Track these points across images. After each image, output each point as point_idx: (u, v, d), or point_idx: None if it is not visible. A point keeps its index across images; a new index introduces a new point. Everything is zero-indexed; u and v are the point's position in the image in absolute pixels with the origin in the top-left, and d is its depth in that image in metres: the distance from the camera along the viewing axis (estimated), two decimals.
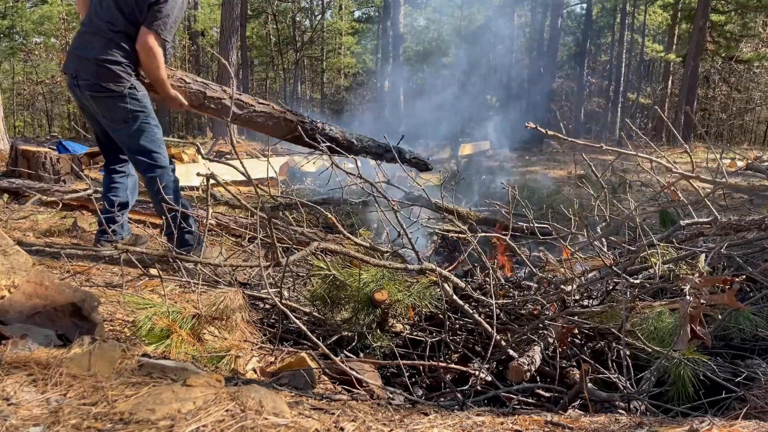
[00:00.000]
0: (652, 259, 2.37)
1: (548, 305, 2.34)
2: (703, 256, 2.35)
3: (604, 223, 3.07)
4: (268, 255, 2.85)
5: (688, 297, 1.65)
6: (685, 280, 1.77)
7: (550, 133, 2.45)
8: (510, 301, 2.34)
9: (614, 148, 2.47)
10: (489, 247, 3.31)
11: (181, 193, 3.06)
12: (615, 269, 2.25)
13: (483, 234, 2.48)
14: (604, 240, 2.88)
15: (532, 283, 2.64)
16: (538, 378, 2.12)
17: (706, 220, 2.89)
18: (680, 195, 3.06)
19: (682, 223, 2.92)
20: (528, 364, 1.90)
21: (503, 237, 2.50)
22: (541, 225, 3.05)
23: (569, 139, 2.52)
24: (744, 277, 2.38)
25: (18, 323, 1.59)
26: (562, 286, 2.36)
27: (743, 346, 2.24)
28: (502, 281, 2.57)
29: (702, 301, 1.59)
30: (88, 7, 2.86)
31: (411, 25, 32.36)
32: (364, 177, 2.53)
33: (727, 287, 1.65)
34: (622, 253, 2.71)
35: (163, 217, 2.90)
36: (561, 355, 2.12)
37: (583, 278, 2.50)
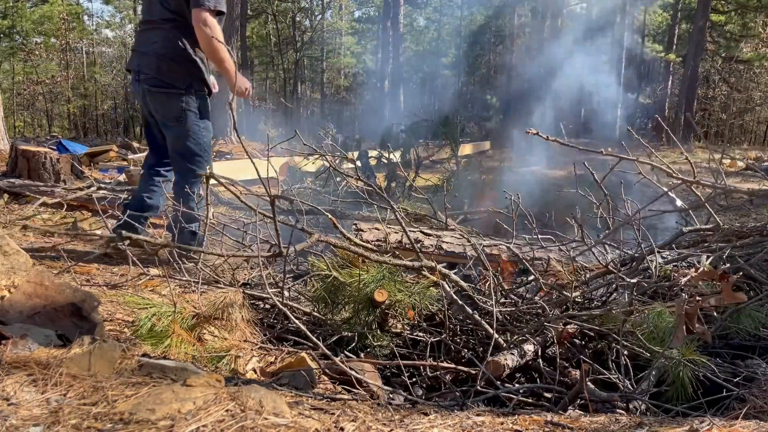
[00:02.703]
0: (651, 264, 2.37)
1: (550, 310, 2.34)
2: (705, 256, 2.35)
3: (603, 226, 3.07)
4: (271, 250, 2.86)
5: (684, 295, 1.65)
6: (681, 274, 1.77)
7: (551, 138, 2.45)
8: (513, 309, 2.33)
9: (615, 154, 2.47)
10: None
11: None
12: (619, 275, 2.25)
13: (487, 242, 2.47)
14: (605, 243, 2.88)
15: (534, 287, 2.64)
16: (538, 378, 2.12)
17: (708, 227, 2.89)
18: (681, 202, 3.06)
19: (684, 230, 2.94)
20: (511, 360, 1.92)
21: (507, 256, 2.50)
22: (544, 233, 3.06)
23: (571, 144, 2.52)
24: (741, 273, 2.38)
25: (18, 323, 1.59)
26: (565, 292, 2.35)
27: (743, 344, 2.24)
28: (504, 289, 2.57)
29: (698, 297, 1.59)
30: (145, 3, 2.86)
31: (411, 25, 32.38)
32: (363, 179, 2.53)
33: (723, 282, 1.65)
34: (624, 261, 2.72)
35: (169, 218, 2.90)
36: (561, 356, 2.12)
37: (586, 286, 2.50)
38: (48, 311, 1.70)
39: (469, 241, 2.62)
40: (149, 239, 2.02)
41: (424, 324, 2.33)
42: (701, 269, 1.69)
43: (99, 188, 4.68)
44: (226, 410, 1.13)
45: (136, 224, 2.88)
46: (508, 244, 2.86)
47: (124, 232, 1.97)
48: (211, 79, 2.96)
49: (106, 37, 28.33)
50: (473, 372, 1.94)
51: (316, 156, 2.81)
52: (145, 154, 3.22)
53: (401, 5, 21.31)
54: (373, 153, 7.03)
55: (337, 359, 1.82)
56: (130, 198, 2.98)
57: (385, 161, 6.76)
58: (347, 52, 31.94)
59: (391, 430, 1.26)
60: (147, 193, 3.01)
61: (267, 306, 2.50)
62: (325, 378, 1.86)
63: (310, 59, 31.14)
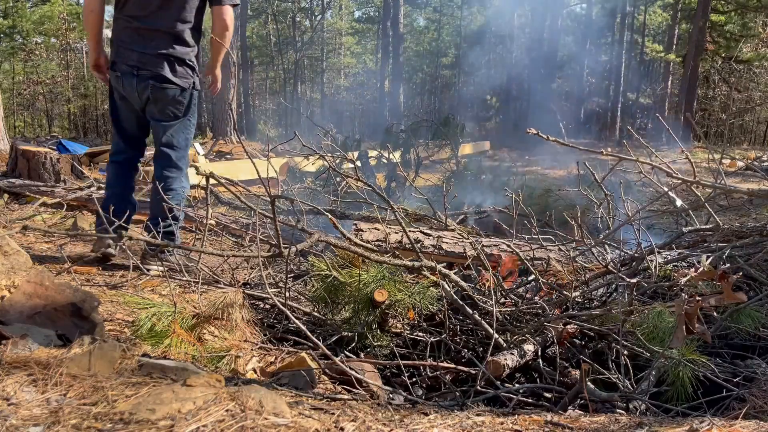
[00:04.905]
0: (651, 264, 2.37)
1: (550, 310, 2.34)
2: (704, 256, 2.35)
3: (603, 225, 3.07)
4: (271, 250, 2.86)
5: (683, 295, 1.65)
6: (681, 274, 1.77)
7: (551, 139, 2.45)
8: (513, 309, 2.33)
9: (615, 154, 2.47)
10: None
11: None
12: (618, 274, 2.25)
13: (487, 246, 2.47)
14: (605, 243, 2.88)
15: (534, 287, 2.64)
16: (538, 378, 2.12)
17: (708, 227, 2.89)
18: (681, 201, 3.06)
19: (684, 230, 2.94)
20: (510, 360, 1.93)
21: (510, 250, 2.50)
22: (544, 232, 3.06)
23: (571, 144, 2.52)
24: (741, 273, 2.39)
25: (18, 323, 1.59)
26: (565, 292, 2.35)
27: (743, 344, 2.24)
28: (504, 289, 2.57)
29: (698, 297, 1.59)
30: (123, 3, 2.89)
31: (411, 25, 32.40)
32: (363, 179, 2.53)
33: (723, 283, 1.65)
34: (624, 261, 2.72)
35: (150, 215, 2.92)
36: (561, 356, 2.12)
37: (586, 286, 2.50)
38: (48, 311, 1.70)
39: (468, 241, 2.63)
40: (149, 239, 2.01)
41: (424, 324, 2.33)
42: (701, 269, 1.69)
43: (99, 188, 4.67)
44: (226, 410, 1.13)
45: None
46: (508, 244, 2.86)
47: (123, 231, 1.97)
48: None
49: (107, 37, 28.23)
50: (473, 372, 1.94)
51: (316, 156, 2.81)
52: (146, 153, 3.22)
53: (401, 5, 21.30)
54: (373, 153, 7.03)
55: (337, 359, 1.82)
56: (111, 198, 2.97)
57: (385, 161, 6.76)
58: (347, 52, 31.94)
59: (391, 430, 1.26)
60: (131, 192, 3.07)
61: (267, 306, 2.50)
62: (325, 378, 1.86)
63: (310, 59, 31.15)
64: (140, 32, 2.85)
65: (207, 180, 2.65)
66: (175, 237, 2.92)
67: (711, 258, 2.37)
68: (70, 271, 2.56)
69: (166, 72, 2.85)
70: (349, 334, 2.19)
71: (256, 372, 1.87)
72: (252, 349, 1.98)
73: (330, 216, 2.12)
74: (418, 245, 2.58)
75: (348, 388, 1.78)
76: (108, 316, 2.06)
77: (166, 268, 2.67)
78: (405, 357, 2.14)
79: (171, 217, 2.79)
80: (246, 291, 2.27)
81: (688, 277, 1.71)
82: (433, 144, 8.87)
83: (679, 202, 3.03)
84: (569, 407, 1.78)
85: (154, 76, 2.84)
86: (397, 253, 2.44)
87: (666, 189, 2.86)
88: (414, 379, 2.07)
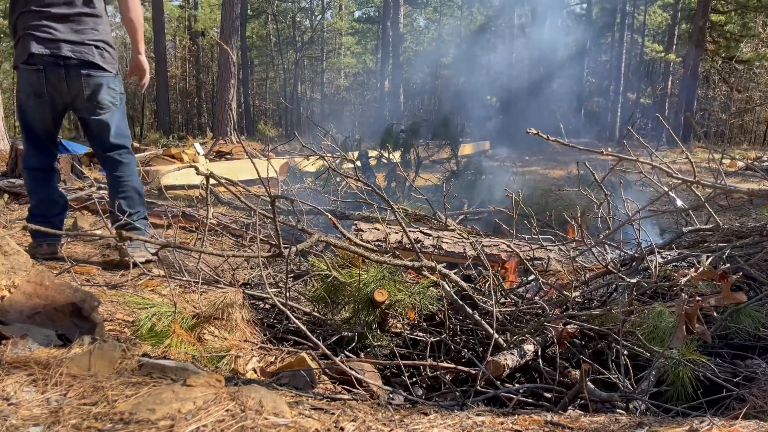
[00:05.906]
0: (651, 264, 2.38)
1: (550, 310, 2.34)
2: (705, 256, 2.35)
3: (603, 225, 3.07)
4: (271, 250, 2.86)
5: (683, 295, 1.65)
6: (681, 274, 1.77)
7: (551, 138, 2.44)
8: (513, 309, 2.33)
9: (615, 154, 2.47)
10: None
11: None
12: (618, 274, 2.25)
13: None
14: (605, 243, 2.88)
15: (534, 287, 2.64)
16: (538, 378, 2.12)
17: (708, 227, 2.89)
18: (681, 201, 3.06)
19: (684, 230, 2.95)
20: (510, 360, 1.94)
21: (510, 250, 2.50)
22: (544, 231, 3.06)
23: (571, 144, 2.52)
24: (741, 273, 2.39)
25: (18, 323, 1.59)
26: (565, 292, 2.36)
27: (743, 344, 2.24)
28: (504, 289, 2.57)
29: (698, 297, 1.59)
30: None
31: (411, 25, 32.42)
32: (363, 180, 2.53)
33: (723, 282, 1.65)
34: (624, 261, 2.72)
35: (125, 205, 2.90)
36: (561, 356, 2.12)
37: (586, 286, 2.50)
38: (48, 311, 1.70)
39: (468, 241, 2.63)
40: (150, 239, 2.01)
41: (424, 324, 2.33)
42: (701, 269, 1.69)
43: (99, 188, 4.67)
44: (226, 410, 1.13)
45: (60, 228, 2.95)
46: (508, 244, 2.86)
47: (123, 231, 1.97)
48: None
49: None
50: (473, 372, 1.94)
51: (316, 156, 2.81)
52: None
53: (401, 5, 21.32)
54: (373, 153, 7.03)
55: (337, 359, 1.82)
56: (38, 206, 2.94)
57: (385, 161, 6.76)
58: (347, 52, 31.97)
59: (391, 430, 1.26)
60: (58, 193, 3.02)
61: (267, 306, 2.50)
62: (325, 378, 1.86)
63: (310, 59, 31.16)
64: (58, 18, 2.68)
65: (207, 180, 2.65)
66: (146, 220, 3.00)
67: (711, 258, 2.37)
68: (70, 271, 2.56)
69: (97, 59, 2.74)
70: (349, 334, 2.19)
71: (256, 372, 1.87)
72: (252, 349, 1.98)
73: (330, 216, 2.12)
74: (418, 245, 2.58)
75: (348, 388, 1.78)
76: (108, 316, 2.06)
77: (153, 252, 2.72)
78: (405, 357, 2.14)
79: (140, 203, 2.89)
80: (246, 291, 2.28)
81: (688, 277, 1.71)
82: (433, 144, 8.86)
83: (679, 202, 3.03)
84: (569, 407, 1.78)
85: (85, 64, 2.71)
86: (397, 253, 2.44)
87: (666, 189, 2.86)
88: (414, 379, 2.07)
